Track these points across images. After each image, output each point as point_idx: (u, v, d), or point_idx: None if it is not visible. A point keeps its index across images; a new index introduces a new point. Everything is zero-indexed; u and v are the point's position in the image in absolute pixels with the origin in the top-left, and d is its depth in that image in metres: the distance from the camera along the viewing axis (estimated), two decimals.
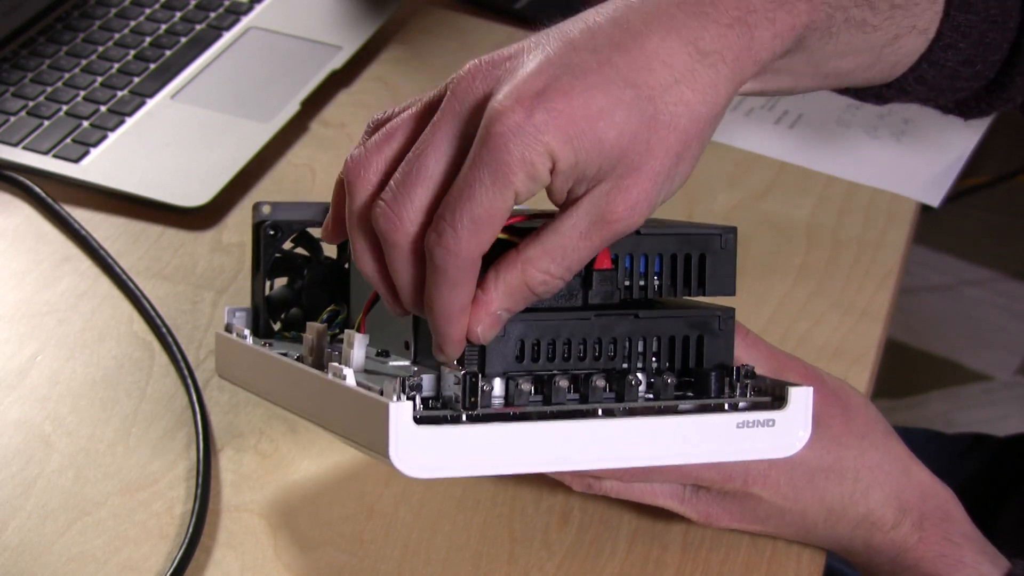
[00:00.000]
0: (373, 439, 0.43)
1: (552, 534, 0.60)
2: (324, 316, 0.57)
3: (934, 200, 0.85)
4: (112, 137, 0.82)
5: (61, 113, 0.84)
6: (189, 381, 0.66)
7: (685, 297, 0.51)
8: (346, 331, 0.50)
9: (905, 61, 0.61)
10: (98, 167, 0.80)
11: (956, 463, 0.89)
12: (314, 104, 0.88)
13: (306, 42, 0.92)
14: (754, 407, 0.49)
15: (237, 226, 0.78)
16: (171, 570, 0.56)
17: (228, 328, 0.58)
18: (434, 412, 0.44)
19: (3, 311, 0.71)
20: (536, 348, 0.47)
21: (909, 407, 1.82)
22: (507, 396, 0.46)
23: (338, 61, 0.90)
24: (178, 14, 0.94)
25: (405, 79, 0.91)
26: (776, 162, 0.87)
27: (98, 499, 0.60)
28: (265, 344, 0.56)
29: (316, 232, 0.58)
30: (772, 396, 0.50)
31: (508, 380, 0.46)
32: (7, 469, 0.61)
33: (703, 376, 0.49)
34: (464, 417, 0.44)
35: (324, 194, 0.80)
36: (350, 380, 0.46)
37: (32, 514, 0.59)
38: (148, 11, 0.94)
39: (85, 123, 0.83)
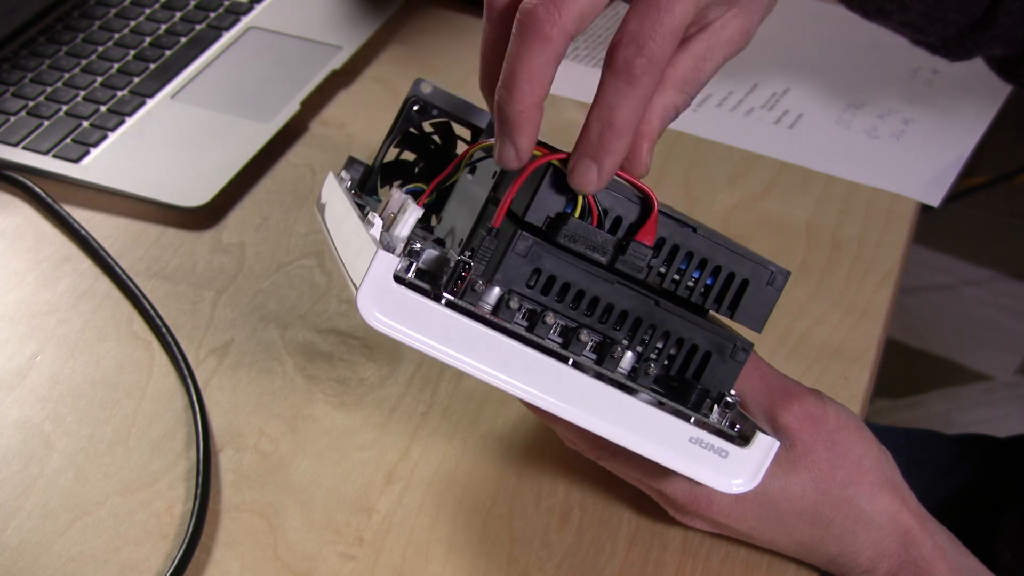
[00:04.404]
0: (356, 275, 0.45)
1: (552, 534, 0.60)
2: (406, 188, 0.58)
3: (934, 200, 0.85)
4: (112, 137, 0.82)
5: (61, 113, 0.84)
6: (189, 381, 0.66)
7: (712, 312, 0.51)
8: (404, 197, 0.50)
9: None
10: (98, 167, 0.80)
11: (956, 463, 0.89)
12: (314, 104, 0.88)
13: (306, 42, 0.92)
14: (716, 432, 0.48)
15: (237, 226, 0.78)
16: (171, 570, 0.56)
17: (340, 173, 0.60)
18: (417, 281, 0.45)
19: (3, 311, 0.71)
20: (550, 283, 0.47)
21: (909, 407, 1.82)
22: (497, 308, 0.46)
23: (338, 61, 0.90)
24: (178, 14, 0.94)
25: (405, 79, 0.91)
26: (776, 162, 0.87)
27: (98, 499, 0.60)
28: (353, 193, 0.58)
29: (459, 130, 0.61)
30: (740, 432, 0.49)
31: (505, 294, 0.46)
32: (7, 469, 0.61)
33: (687, 385, 0.49)
34: (437, 296, 0.45)
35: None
36: (376, 227, 0.47)
37: (32, 514, 0.59)
38: (148, 11, 0.94)
39: (85, 123, 0.83)
